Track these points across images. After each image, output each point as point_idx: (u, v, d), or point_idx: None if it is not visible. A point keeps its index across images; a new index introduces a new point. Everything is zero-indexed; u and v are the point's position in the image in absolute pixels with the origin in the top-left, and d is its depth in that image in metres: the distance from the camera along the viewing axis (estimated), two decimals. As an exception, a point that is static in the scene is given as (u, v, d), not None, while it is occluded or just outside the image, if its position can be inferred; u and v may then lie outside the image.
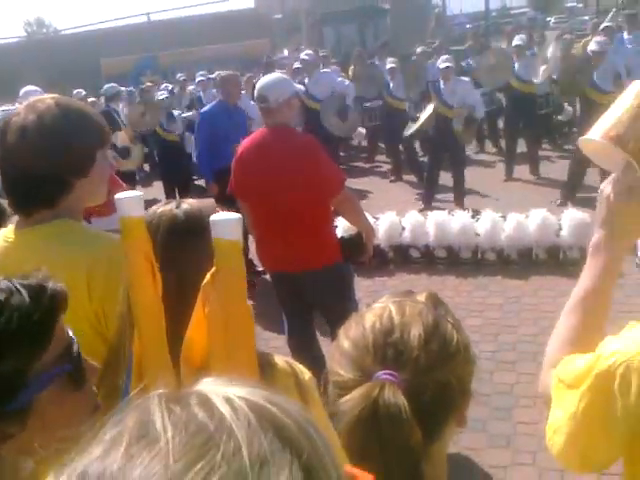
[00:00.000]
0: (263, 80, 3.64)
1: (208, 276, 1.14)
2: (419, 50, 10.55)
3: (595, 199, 1.25)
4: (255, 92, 3.60)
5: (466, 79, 7.93)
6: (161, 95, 9.02)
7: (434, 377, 0.92)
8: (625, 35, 9.41)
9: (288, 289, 3.70)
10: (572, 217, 5.58)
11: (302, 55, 9.73)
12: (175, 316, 1.20)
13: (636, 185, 1.11)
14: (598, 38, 7.48)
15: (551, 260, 5.64)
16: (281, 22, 21.38)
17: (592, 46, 7.29)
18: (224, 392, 0.48)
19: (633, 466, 1.05)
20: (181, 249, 1.31)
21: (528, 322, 4.69)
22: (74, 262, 1.49)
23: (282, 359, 1.36)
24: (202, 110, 6.62)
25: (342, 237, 3.73)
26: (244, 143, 3.65)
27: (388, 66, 9.09)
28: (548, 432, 1.12)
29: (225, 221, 1.14)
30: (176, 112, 8.50)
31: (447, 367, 0.93)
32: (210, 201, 1.43)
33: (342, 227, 4.60)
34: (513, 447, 3.40)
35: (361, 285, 5.14)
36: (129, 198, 1.25)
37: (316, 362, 3.52)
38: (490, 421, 3.56)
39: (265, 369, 1.25)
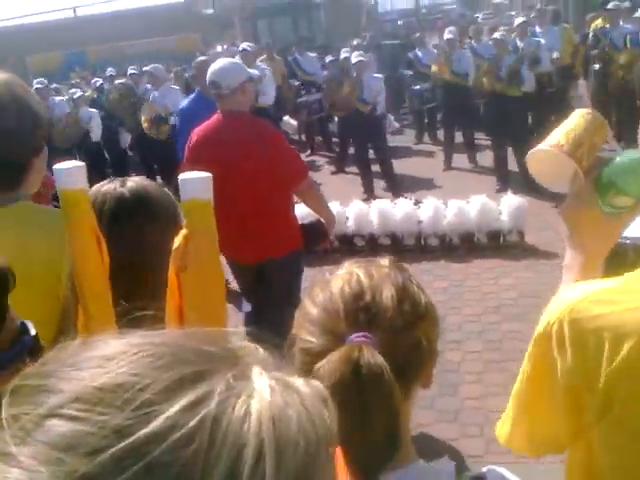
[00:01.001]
0: (215, 66, 3.56)
1: (180, 239, 1.12)
2: (355, 42, 10.65)
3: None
4: (207, 78, 3.53)
5: (379, 76, 8.08)
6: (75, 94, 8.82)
7: (407, 338, 0.92)
8: (537, 29, 9.76)
9: (246, 276, 3.67)
10: (510, 202, 5.75)
11: (243, 45, 9.66)
12: (127, 294, 1.15)
13: (582, 192, 1.13)
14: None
15: (492, 243, 5.80)
16: (213, 17, 21.08)
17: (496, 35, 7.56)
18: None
19: (582, 451, 1.02)
20: (130, 227, 1.28)
21: (472, 303, 4.82)
22: (51, 242, 1.42)
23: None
24: (181, 107, 5.80)
25: (303, 224, 3.72)
26: (197, 130, 3.55)
27: (354, 60, 9.16)
28: (498, 424, 1.14)
29: (194, 180, 1.11)
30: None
31: (418, 327, 0.93)
32: (153, 182, 1.43)
33: (300, 214, 4.50)
34: (460, 421, 3.50)
35: (306, 274, 5.13)
36: (70, 169, 1.15)
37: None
38: (438, 398, 3.63)
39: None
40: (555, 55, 9.24)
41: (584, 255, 1.15)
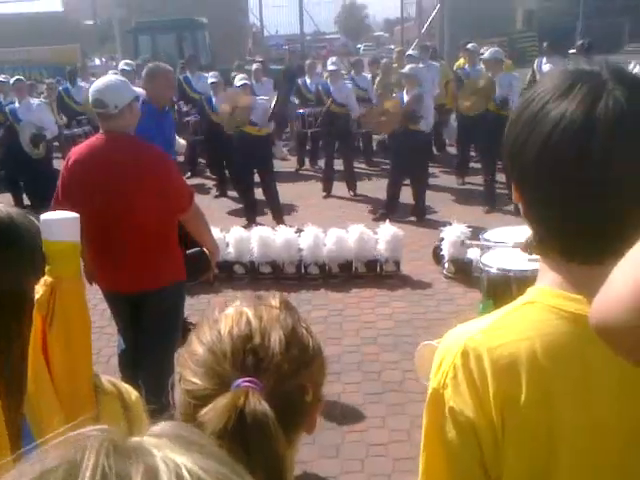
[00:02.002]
0: (99, 84, 3.35)
1: (43, 287, 1.02)
2: (255, 67, 10.63)
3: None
4: (90, 96, 3.30)
5: (265, 98, 8.12)
6: None
7: (293, 383, 0.90)
8: (420, 64, 10.27)
9: (125, 308, 3.48)
10: (387, 232, 5.91)
11: (121, 65, 9.33)
12: None
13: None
14: (410, 65, 8.07)
15: (369, 273, 5.92)
16: (92, 29, 20.32)
17: (405, 70, 7.82)
18: (174, 460, 0.44)
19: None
20: None
21: (351, 333, 4.88)
22: None
23: (106, 379, 1.26)
24: None
25: (185, 254, 3.58)
26: (77, 150, 3.32)
27: (210, 80, 9.01)
28: None
29: (61, 221, 1.02)
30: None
31: (306, 373, 0.92)
32: (20, 210, 1.28)
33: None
34: (342, 456, 3.49)
35: (186, 303, 4.99)
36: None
37: (151, 379, 3.33)
38: (319, 432, 3.61)
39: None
40: (436, 91, 9.76)
41: None
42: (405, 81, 7.68)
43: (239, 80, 7.93)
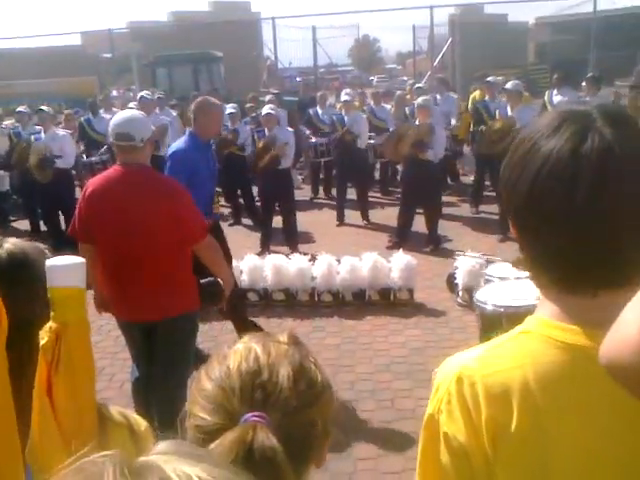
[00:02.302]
0: (123, 117, 3.42)
1: (47, 333, 1.02)
2: (269, 97, 10.78)
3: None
4: (114, 130, 3.35)
5: (290, 130, 8.23)
6: None
7: (302, 418, 0.91)
8: (438, 97, 10.40)
9: (139, 336, 3.50)
10: (400, 260, 5.91)
11: (142, 93, 9.51)
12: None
13: None
14: (423, 96, 8.18)
15: (383, 301, 5.90)
16: (110, 62, 20.74)
17: (419, 101, 7.93)
18: (184, 470, 0.48)
19: None
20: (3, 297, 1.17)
21: (364, 361, 4.85)
22: None
23: (116, 410, 1.28)
24: (172, 151, 4.81)
25: (200, 283, 3.61)
26: (94, 181, 3.38)
27: (228, 111, 9.16)
28: None
29: (66, 267, 1.02)
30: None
31: (314, 407, 0.93)
32: (35, 244, 1.30)
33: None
34: (355, 484, 3.44)
35: (199, 329, 5.01)
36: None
37: (163, 409, 3.32)
38: (331, 460, 3.57)
39: (98, 422, 1.16)
40: (453, 122, 9.87)
41: None
42: (418, 112, 7.76)
43: (266, 109, 7.98)
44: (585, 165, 0.86)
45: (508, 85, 8.19)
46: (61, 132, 8.39)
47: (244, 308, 5.01)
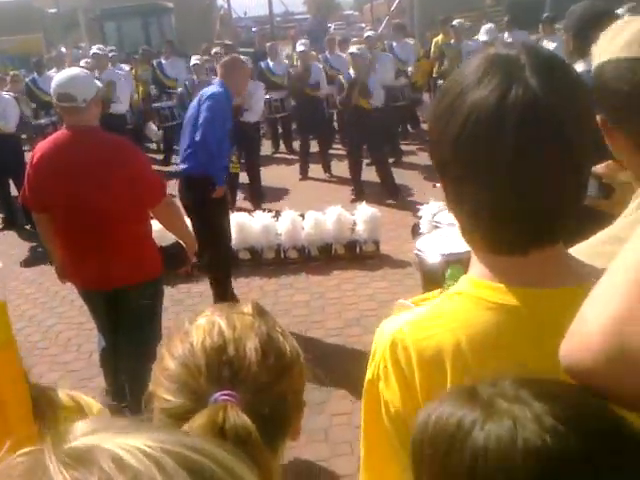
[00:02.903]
0: (64, 77, 3.22)
1: None
2: (214, 50, 10.45)
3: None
4: (54, 90, 3.17)
5: (260, 83, 8.04)
6: None
7: (273, 392, 0.87)
8: (393, 43, 10.23)
9: (102, 305, 3.41)
10: (365, 213, 5.89)
11: (94, 49, 9.14)
12: None
13: None
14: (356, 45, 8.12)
15: (349, 254, 5.90)
16: (56, 17, 19.87)
17: (352, 49, 7.81)
18: (130, 444, 0.44)
19: None
20: None
21: (334, 316, 4.86)
22: None
23: (66, 393, 1.23)
24: (212, 92, 4.69)
25: (161, 246, 3.51)
26: (42, 146, 3.22)
27: (192, 62, 8.93)
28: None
29: None
30: None
31: (285, 381, 0.89)
32: None
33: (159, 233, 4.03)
34: (331, 439, 3.48)
35: (165, 293, 4.94)
36: None
37: (133, 381, 3.28)
38: (307, 416, 3.59)
39: (46, 409, 1.13)
40: (410, 69, 9.73)
41: None
42: (351, 60, 7.60)
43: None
44: (509, 117, 0.81)
45: (483, 36, 8.28)
46: (5, 96, 8.02)
47: (228, 278, 4.90)
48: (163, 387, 0.87)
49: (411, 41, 10.74)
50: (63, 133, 3.21)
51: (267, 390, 0.86)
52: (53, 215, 3.21)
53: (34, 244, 6.88)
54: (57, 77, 3.32)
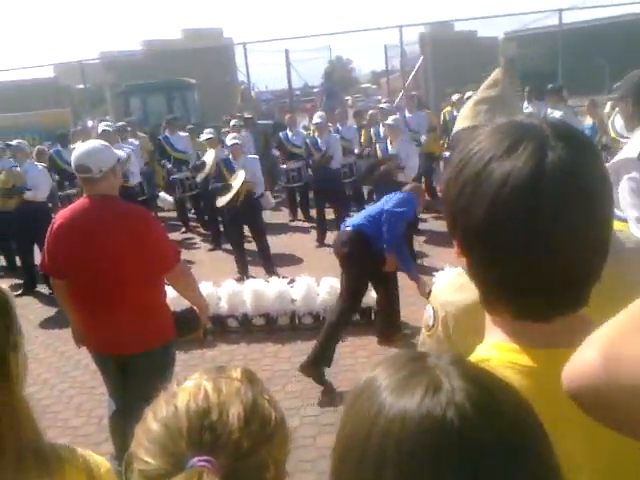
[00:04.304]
0: (82, 149, 3.35)
1: None
2: (233, 123, 10.78)
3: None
4: (73, 161, 3.31)
5: (254, 157, 8.23)
6: None
7: (253, 461, 0.86)
8: (407, 114, 10.50)
9: (113, 369, 3.43)
10: (380, 279, 5.88)
11: (101, 127, 9.48)
12: None
13: None
14: (392, 116, 8.29)
15: (364, 320, 5.86)
16: (83, 93, 20.68)
17: (389, 121, 8.03)
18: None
19: None
20: None
21: (346, 383, 4.79)
22: None
23: (75, 451, 1.24)
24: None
25: (174, 312, 3.54)
26: (62, 214, 3.33)
27: (204, 137, 9.21)
28: None
29: None
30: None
31: (266, 448, 0.88)
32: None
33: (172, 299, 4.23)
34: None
35: (178, 359, 4.91)
36: None
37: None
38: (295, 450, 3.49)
39: (52, 464, 1.14)
40: (423, 138, 9.96)
41: None
42: (388, 132, 7.85)
43: (230, 139, 8.02)
44: (547, 186, 0.82)
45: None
46: (36, 165, 8.32)
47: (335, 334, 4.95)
48: (143, 448, 0.86)
49: (424, 112, 11.00)
50: (82, 202, 3.31)
51: (248, 457, 0.85)
52: (70, 280, 3.28)
53: (52, 308, 6.96)
54: (76, 150, 3.45)
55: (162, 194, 10.74)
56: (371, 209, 5.44)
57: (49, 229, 3.36)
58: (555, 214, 0.82)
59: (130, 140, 10.74)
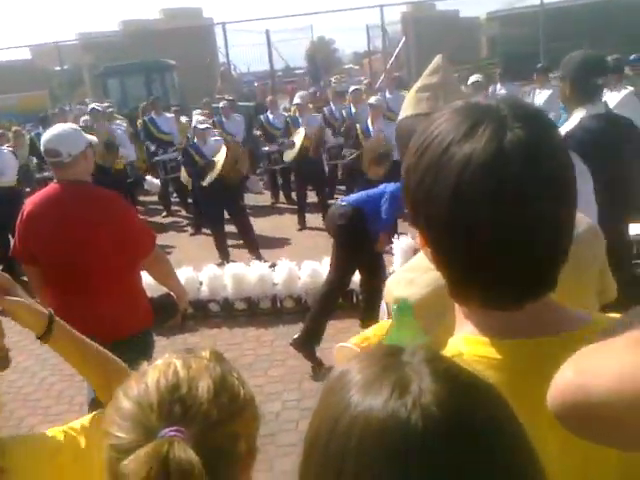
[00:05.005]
0: (51, 133, 3.26)
1: None
2: (222, 104, 10.65)
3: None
4: (42, 145, 3.22)
5: (219, 138, 8.15)
6: None
7: (223, 432, 0.88)
8: (387, 94, 10.49)
9: None
10: (361, 261, 5.88)
11: (93, 105, 9.35)
12: None
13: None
14: (374, 96, 8.30)
15: (345, 303, 5.86)
16: (61, 75, 20.34)
17: (371, 100, 8.02)
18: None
19: None
20: None
21: (327, 367, 4.79)
22: None
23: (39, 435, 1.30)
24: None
25: (152, 298, 3.50)
26: (32, 200, 3.24)
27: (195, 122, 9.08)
28: None
29: None
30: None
31: (236, 421, 0.90)
32: None
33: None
34: None
35: (160, 345, 4.87)
36: None
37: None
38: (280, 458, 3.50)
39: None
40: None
41: None
42: (370, 111, 7.82)
43: (200, 124, 7.92)
44: (511, 166, 0.80)
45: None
46: (4, 149, 8.18)
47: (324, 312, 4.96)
48: (115, 424, 0.88)
49: (404, 93, 10.95)
50: (52, 187, 3.23)
51: (217, 428, 0.87)
52: (41, 267, 3.22)
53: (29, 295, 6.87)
54: (46, 133, 3.36)
55: (149, 177, 10.64)
56: (371, 191, 5.40)
57: (20, 215, 3.28)
58: (520, 196, 0.80)
59: (118, 122, 10.61)
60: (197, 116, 9.42)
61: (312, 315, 4.89)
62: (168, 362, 0.94)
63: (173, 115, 10.68)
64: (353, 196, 5.38)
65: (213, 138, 7.98)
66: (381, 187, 5.33)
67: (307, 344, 4.78)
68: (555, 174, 0.83)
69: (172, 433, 0.83)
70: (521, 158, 0.80)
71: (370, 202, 5.10)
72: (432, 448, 0.60)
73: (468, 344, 0.91)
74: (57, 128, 3.34)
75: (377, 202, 5.07)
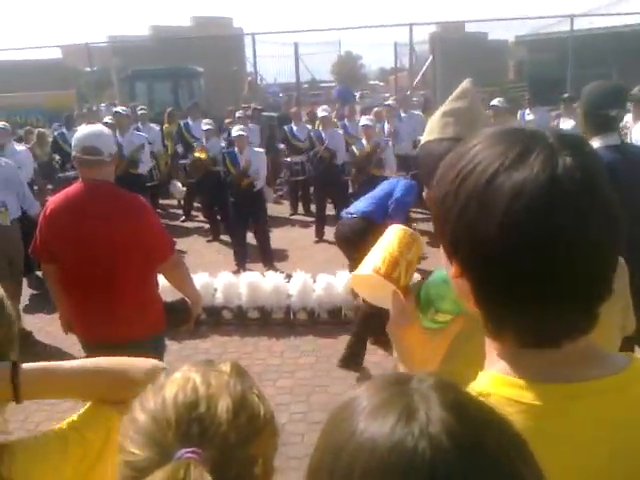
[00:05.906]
0: (90, 130, 3.27)
1: None
2: (238, 114, 10.71)
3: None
4: (79, 142, 3.19)
5: (260, 150, 8.16)
6: None
7: (241, 454, 0.84)
8: (402, 113, 10.49)
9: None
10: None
11: (117, 109, 9.41)
12: None
13: (405, 309, 1.14)
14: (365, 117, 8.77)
15: (333, 320, 5.84)
16: (89, 75, 20.58)
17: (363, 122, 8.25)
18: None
19: None
20: None
21: (339, 381, 4.77)
22: None
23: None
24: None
25: (166, 302, 3.50)
26: (55, 199, 3.25)
27: (204, 127, 9.08)
28: None
29: None
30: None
31: (254, 443, 0.87)
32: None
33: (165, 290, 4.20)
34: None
35: (171, 349, 4.90)
36: None
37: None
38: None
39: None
40: (419, 138, 9.87)
41: (410, 369, 1.15)
42: (362, 131, 8.26)
43: (237, 131, 7.93)
44: (567, 201, 0.75)
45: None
46: (20, 147, 8.26)
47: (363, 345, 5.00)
48: (130, 439, 0.85)
49: (419, 113, 10.90)
50: (77, 186, 3.24)
51: (235, 451, 0.84)
52: (60, 267, 3.24)
53: (39, 292, 6.89)
54: (83, 131, 3.35)
55: (174, 181, 10.67)
56: (374, 194, 5.32)
57: (42, 213, 3.31)
58: (578, 228, 0.75)
59: (151, 125, 10.66)
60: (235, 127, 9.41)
61: (355, 333, 4.96)
62: (187, 376, 0.91)
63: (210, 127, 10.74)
64: (360, 205, 5.31)
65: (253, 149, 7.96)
66: (385, 185, 5.25)
67: (354, 361, 4.88)
68: (610, 203, 0.79)
69: (189, 455, 0.80)
70: (577, 187, 0.76)
71: (378, 207, 5.03)
72: None
73: (498, 384, 0.86)
74: (96, 127, 3.38)
75: (384, 203, 4.98)
